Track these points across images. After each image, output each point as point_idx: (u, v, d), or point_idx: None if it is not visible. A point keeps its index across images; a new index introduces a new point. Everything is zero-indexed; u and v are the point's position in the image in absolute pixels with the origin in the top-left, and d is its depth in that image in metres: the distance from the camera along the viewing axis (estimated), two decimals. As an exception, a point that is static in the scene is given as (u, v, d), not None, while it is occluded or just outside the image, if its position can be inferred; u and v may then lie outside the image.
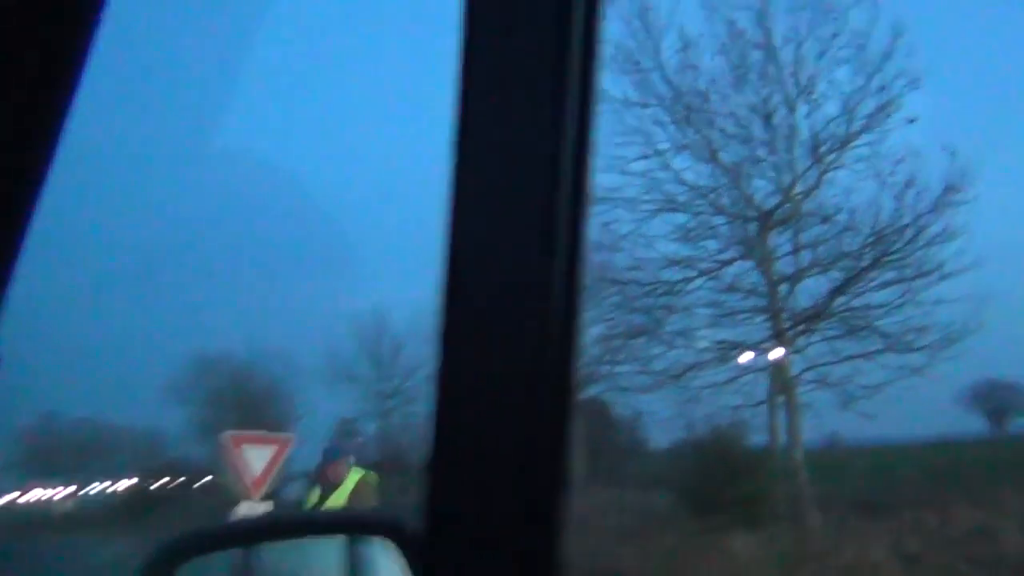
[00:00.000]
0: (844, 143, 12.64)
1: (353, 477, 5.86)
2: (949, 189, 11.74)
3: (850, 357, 13.18)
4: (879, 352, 13.08)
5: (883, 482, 13.98)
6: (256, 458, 10.02)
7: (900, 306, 12.70)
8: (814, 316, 13.03)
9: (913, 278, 12.35)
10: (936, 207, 11.88)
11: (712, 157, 12.89)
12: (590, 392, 23.01)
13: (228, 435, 10.16)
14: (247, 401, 33.15)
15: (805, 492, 12.21)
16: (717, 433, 13.49)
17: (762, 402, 14.13)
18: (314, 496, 5.96)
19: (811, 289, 13.29)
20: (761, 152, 12.88)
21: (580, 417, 25.50)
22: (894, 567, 9.46)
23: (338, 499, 5.81)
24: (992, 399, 31.63)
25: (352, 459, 6.01)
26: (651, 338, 15.36)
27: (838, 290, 12.81)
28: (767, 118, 12.90)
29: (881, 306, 12.84)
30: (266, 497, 9.74)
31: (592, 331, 22.16)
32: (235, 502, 9.73)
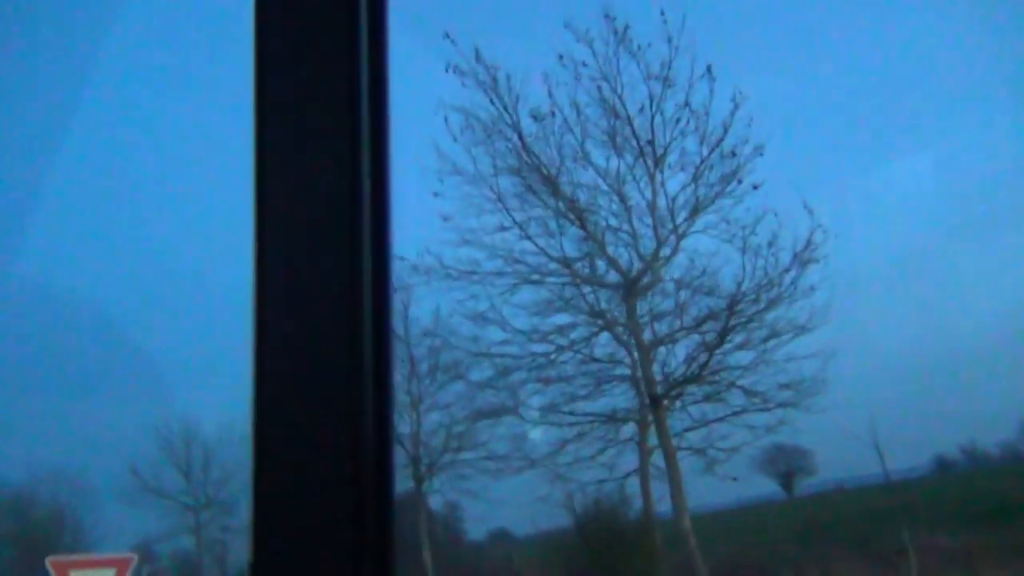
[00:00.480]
0: (697, 209, 12.98)
1: None
2: (807, 246, 12.29)
3: (719, 419, 13.29)
4: (743, 412, 13.32)
5: (756, 543, 14.02)
6: None
7: (761, 365, 13.00)
8: (684, 381, 13.06)
9: (771, 337, 12.71)
10: (795, 265, 12.39)
11: (577, 225, 12.84)
12: (433, 484, 22.05)
13: (52, 561, 8.70)
14: (27, 531, 29.13)
15: (697, 561, 11.94)
16: (598, 509, 13.04)
17: (631, 473, 13.91)
18: None
19: (678, 355, 13.37)
20: (621, 220, 12.99)
21: (421, 512, 24.40)
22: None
23: None
24: (780, 463, 33.70)
25: None
26: (511, 417, 14.83)
27: (708, 353, 12.95)
28: (625, 186, 13.06)
29: (744, 367, 13.08)
30: None
31: (432, 418, 21.38)
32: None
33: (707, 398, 13.47)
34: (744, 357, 13.22)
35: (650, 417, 13.95)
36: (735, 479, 14.89)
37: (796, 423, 13.30)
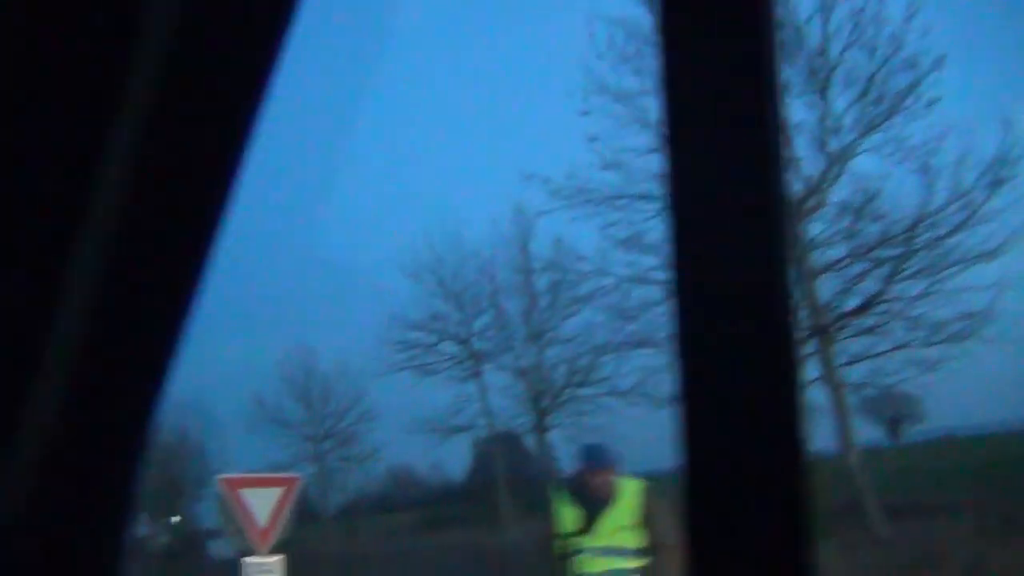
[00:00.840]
0: (871, 126, 11.98)
1: (630, 488, 4.35)
2: (1001, 163, 11.17)
3: (880, 354, 12.47)
4: (903, 347, 12.46)
5: (912, 483, 13.22)
6: (260, 504, 8.52)
7: (934, 295, 12.06)
8: (852, 312, 12.23)
9: (952, 265, 11.70)
10: (981, 186, 11.30)
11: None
12: (555, 418, 21.82)
13: (223, 479, 8.65)
14: (152, 456, 30.31)
15: (867, 498, 11.28)
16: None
17: None
18: (570, 517, 4.36)
19: (839, 282, 12.53)
20: (787, 137, 12.06)
21: (504, 452, 24.17)
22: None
23: (617, 520, 4.28)
24: (888, 408, 32.39)
25: (620, 466, 4.46)
26: (650, 349, 14.31)
27: (880, 282, 12.06)
28: (787, 102, 12.13)
29: (913, 297, 12.17)
30: (277, 549, 8.25)
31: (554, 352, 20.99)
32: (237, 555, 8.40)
33: (869, 330, 12.60)
34: (911, 287, 12.26)
35: (806, 349, 13.25)
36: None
37: (965, 359, 12.32)
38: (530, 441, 24.23)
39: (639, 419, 20.43)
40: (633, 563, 4.18)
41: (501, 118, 26.97)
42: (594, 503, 4.26)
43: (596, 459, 4.37)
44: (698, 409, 0.62)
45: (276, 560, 8.43)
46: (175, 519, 30.99)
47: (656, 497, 4.27)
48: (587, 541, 4.24)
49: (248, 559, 8.08)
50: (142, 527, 32.28)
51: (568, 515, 4.33)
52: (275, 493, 8.71)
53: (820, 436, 12.99)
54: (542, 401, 21.50)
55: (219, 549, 26.57)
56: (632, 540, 4.20)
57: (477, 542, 20.05)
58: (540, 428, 21.81)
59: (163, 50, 0.78)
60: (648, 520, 4.19)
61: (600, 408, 20.82)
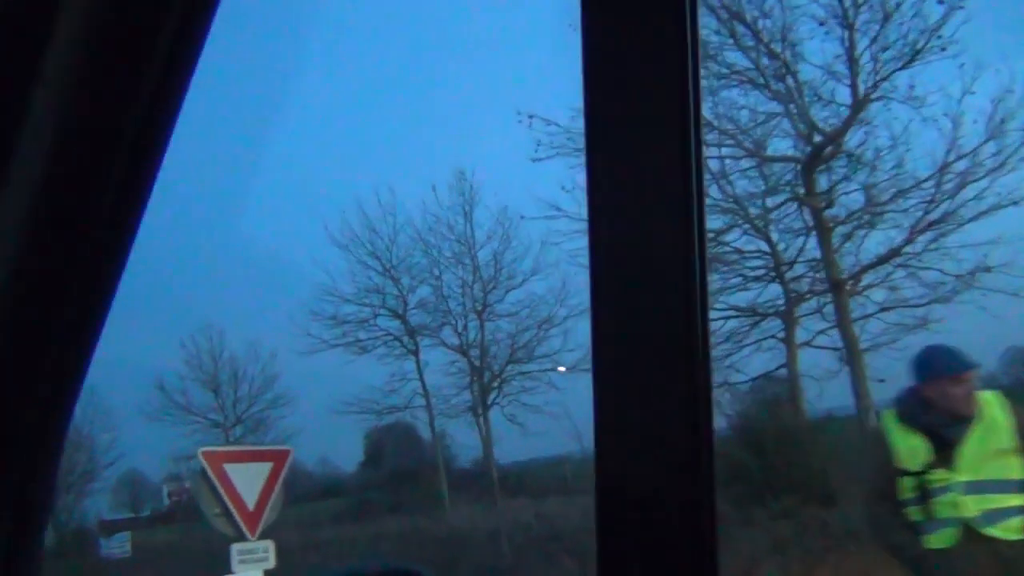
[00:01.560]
0: (892, 71, 11.26)
1: (994, 401, 3.20)
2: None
3: (889, 308, 11.87)
4: (891, 308, 11.94)
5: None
6: (247, 482, 7.25)
7: (943, 250, 11.52)
8: (870, 265, 11.54)
9: (975, 217, 11.16)
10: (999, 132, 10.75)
11: (765, 84, 11.09)
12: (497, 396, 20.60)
13: (204, 452, 7.37)
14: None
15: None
16: (763, 410, 11.64)
17: (770, 373, 12.64)
18: (914, 449, 3.18)
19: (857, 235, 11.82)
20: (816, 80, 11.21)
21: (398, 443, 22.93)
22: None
23: (989, 443, 3.13)
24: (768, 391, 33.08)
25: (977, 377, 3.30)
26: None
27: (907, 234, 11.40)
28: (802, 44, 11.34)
29: (927, 250, 11.60)
30: (265, 535, 7.05)
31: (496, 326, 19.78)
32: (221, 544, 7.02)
33: (878, 286, 11.96)
34: (924, 241, 11.69)
35: (796, 312, 12.60)
36: (882, 380, 13.62)
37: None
38: (423, 431, 22.97)
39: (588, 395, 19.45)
40: (1021, 499, 3.08)
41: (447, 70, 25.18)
42: (949, 425, 3.11)
43: (952, 363, 3.20)
44: (609, 384, 0.65)
45: (266, 545, 7.18)
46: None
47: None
48: (948, 476, 3.09)
49: (236, 545, 6.86)
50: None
51: (910, 446, 3.16)
52: (264, 469, 7.48)
53: (837, 396, 12.35)
54: (483, 378, 20.27)
55: (113, 547, 24.13)
56: (1015, 469, 3.09)
57: (419, 529, 18.76)
58: (480, 406, 20.55)
59: (80, 35, 0.74)
60: None
61: (544, 385, 19.87)
